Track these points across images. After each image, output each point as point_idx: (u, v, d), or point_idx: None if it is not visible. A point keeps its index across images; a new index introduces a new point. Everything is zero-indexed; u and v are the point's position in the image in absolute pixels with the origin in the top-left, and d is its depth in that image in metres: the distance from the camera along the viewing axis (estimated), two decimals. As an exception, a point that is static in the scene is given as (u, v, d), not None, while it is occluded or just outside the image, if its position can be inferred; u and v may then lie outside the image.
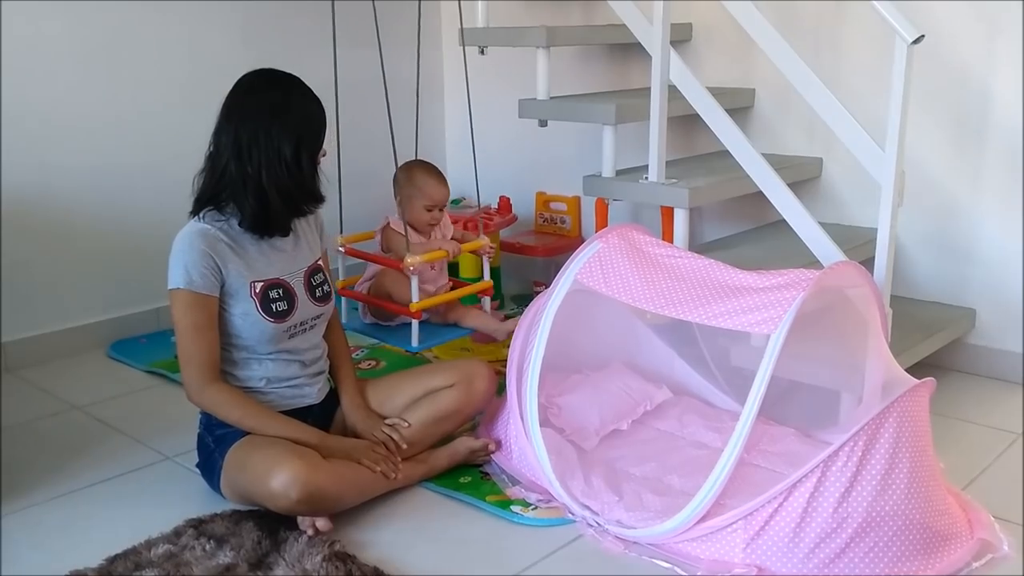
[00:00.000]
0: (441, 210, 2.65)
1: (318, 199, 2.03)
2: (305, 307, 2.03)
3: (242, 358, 2.00)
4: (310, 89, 2.00)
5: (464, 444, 2.14)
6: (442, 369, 2.21)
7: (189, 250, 1.91)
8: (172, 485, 2.10)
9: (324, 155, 2.03)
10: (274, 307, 1.98)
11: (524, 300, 3.24)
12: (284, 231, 2.02)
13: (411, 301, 2.38)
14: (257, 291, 1.96)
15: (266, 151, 1.91)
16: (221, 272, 1.93)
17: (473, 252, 2.67)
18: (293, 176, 1.94)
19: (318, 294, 2.07)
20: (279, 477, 1.79)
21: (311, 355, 2.08)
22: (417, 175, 2.61)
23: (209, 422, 2.01)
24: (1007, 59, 2.53)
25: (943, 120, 2.66)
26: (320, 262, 2.12)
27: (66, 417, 2.49)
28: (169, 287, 1.92)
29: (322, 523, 1.84)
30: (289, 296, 2.00)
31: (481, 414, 2.28)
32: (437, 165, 2.73)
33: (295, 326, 2.02)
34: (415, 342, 2.43)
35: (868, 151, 2.22)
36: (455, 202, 3.53)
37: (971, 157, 2.64)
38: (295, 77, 2.00)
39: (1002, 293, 2.65)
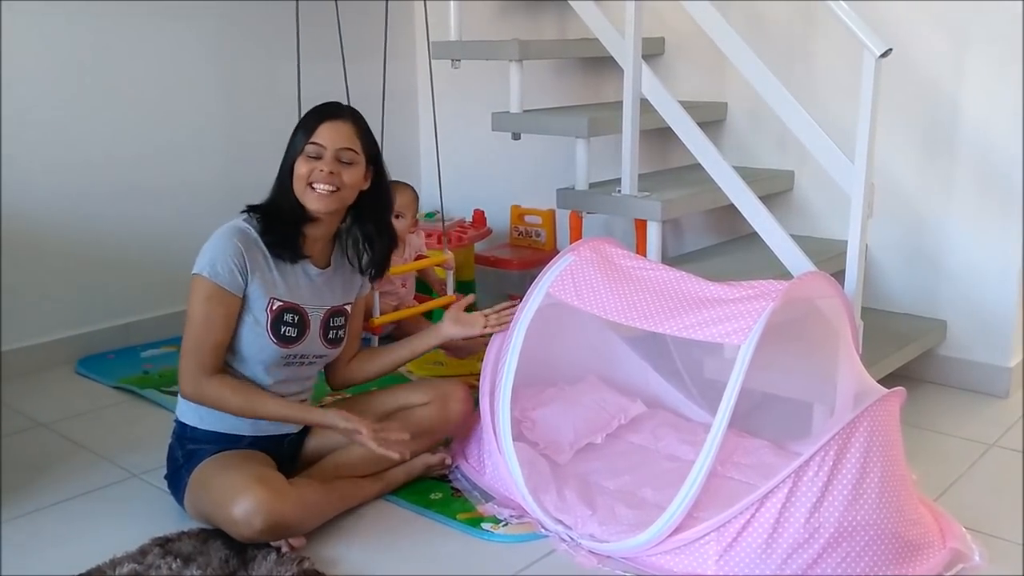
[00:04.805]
0: (396, 218, 2.64)
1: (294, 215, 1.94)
2: (313, 343, 1.98)
3: (233, 366, 1.95)
4: (329, 104, 1.98)
5: (421, 460, 2.12)
6: (419, 387, 2.19)
7: (224, 242, 1.87)
8: (139, 503, 2.07)
9: (321, 171, 1.89)
10: (284, 331, 1.92)
11: (499, 314, 3.23)
12: (291, 253, 1.94)
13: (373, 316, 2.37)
14: (273, 308, 1.91)
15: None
16: (247, 275, 1.88)
17: (437, 266, 2.67)
18: (280, 189, 1.94)
19: (330, 336, 2.01)
20: (242, 505, 1.75)
21: (292, 389, 2.02)
22: None
23: (183, 433, 1.97)
24: (975, 74, 2.56)
25: (913, 133, 2.69)
26: (347, 306, 2.06)
27: (32, 434, 2.45)
28: (192, 272, 1.87)
29: (296, 540, 1.82)
30: (302, 325, 1.95)
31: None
32: (410, 178, 2.73)
33: (295, 356, 1.97)
34: None
35: (838, 164, 2.23)
36: (429, 215, 3.52)
37: (941, 170, 2.67)
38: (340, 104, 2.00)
39: (973, 304, 2.67)
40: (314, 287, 1.99)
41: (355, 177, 1.93)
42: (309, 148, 1.90)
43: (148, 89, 3.04)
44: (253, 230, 1.92)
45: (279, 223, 1.93)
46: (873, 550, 1.68)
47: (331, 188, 1.90)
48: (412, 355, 2.20)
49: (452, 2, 2.95)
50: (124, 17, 2.96)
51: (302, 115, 1.96)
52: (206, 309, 1.85)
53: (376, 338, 2.47)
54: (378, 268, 2.09)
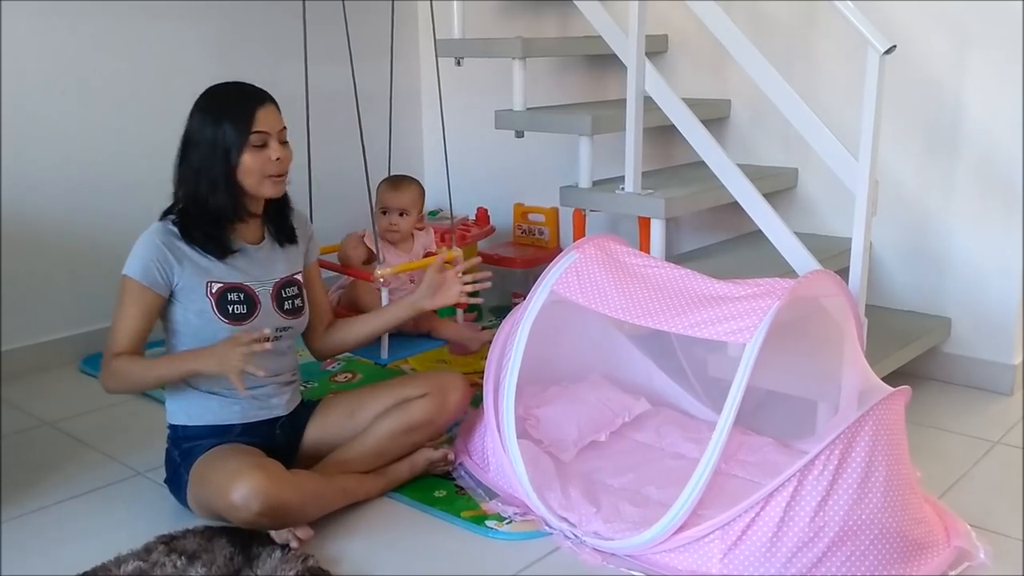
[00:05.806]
0: (402, 215, 2.63)
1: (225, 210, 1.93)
2: (269, 316, 1.98)
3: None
4: (248, 88, 1.96)
5: (422, 455, 2.12)
6: (416, 379, 2.19)
7: (145, 244, 1.90)
8: (143, 501, 2.07)
9: (276, 159, 1.91)
10: (231, 309, 1.93)
11: (503, 312, 3.23)
12: (219, 251, 1.93)
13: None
14: (214, 291, 1.92)
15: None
16: (174, 269, 1.89)
17: (446, 263, 2.66)
18: (209, 187, 1.91)
19: (287, 307, 2.01)
20: (240, 490, 1.77)
21: (272, 368, 2.01)
22: (379, 186, 2.64)
23: (176, 436, 1.98)
24: (977, 72, 2.55)
25: (915, 131, 2.68)
26: (298, 276, 2.07)
27: (36, 433, 2.45)
28: (121, 273, 1.90)
29: (303, 531, 1.83)
30: (250, 301, 1.95)
31: (457, 425, 2.26)
32: (415, 175, 2.73)
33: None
34: (384, 354, 2.42)
35: (842, 161, 2.23)
36: (432, 214, 3.52)
37: (943, 167, 2.66)
38: (232, 83, 1.98)
39: (977, 302, 2.67)
40: (254, 263, 1.98)
41: (291, 154, 1.97)
42: (255, 138, 1.88)
43: (149, 89, 3.04)
44: (175, 227, 1.92)
45: (203, 224, 1.92)
46: (878, 549, 1.68)
47: (283, 172, 1.93)
48: (386, 325, 2.21)
49: (455, 1, 2.95)
50: (124, 17, 2.96)
51: (214, 104, 1.91)
52: (125, 305, 1.88)
53: (387, 351, 2.46)
54: (288, 236, 2.06)
